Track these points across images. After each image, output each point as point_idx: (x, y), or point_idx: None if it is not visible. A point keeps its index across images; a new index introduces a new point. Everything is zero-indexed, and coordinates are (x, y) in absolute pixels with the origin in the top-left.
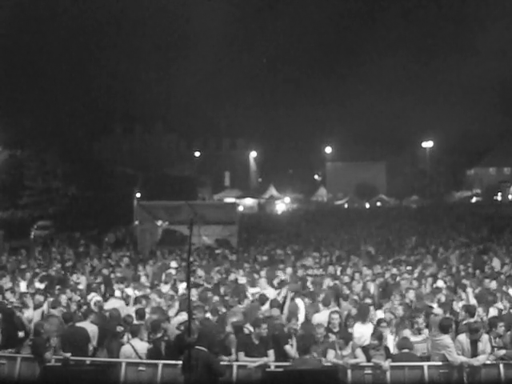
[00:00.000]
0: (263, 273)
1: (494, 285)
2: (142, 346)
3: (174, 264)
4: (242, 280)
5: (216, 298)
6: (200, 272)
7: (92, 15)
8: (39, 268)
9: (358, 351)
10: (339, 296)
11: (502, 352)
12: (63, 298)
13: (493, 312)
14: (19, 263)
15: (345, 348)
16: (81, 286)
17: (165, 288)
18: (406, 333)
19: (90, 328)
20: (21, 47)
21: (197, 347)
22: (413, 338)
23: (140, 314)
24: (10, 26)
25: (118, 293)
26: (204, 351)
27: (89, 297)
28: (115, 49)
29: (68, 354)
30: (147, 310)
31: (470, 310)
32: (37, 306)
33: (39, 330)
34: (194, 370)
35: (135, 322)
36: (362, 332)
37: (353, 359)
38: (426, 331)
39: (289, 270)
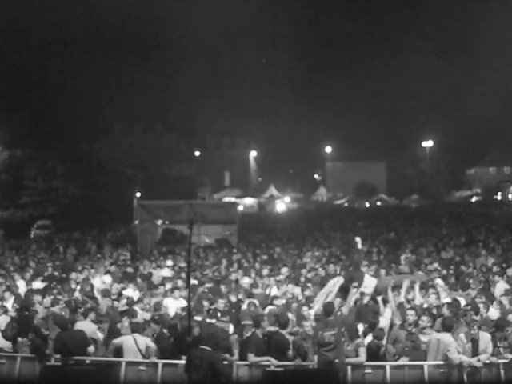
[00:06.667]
0: (265, 271)
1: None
2: (143, 340)
3: (169, 262)
4: (244, 280)
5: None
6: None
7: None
8: (39, 267)
9: (362, 350)
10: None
11: (511, 356)
12: (61, 298)
13: (494, 312)
14: (20, 262)
15: (350, 344)
16: (79, 287)
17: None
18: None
19: (90, 327)
20: (20, 47)
21: (201, 347)
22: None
23: (132, 314)
24: (10, 25)
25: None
26: (208, 351)
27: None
28: (115, 48)
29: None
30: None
31: (473, 308)
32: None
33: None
34: (197, 370)
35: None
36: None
37: (354, 357)
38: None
39: (284, 269)
